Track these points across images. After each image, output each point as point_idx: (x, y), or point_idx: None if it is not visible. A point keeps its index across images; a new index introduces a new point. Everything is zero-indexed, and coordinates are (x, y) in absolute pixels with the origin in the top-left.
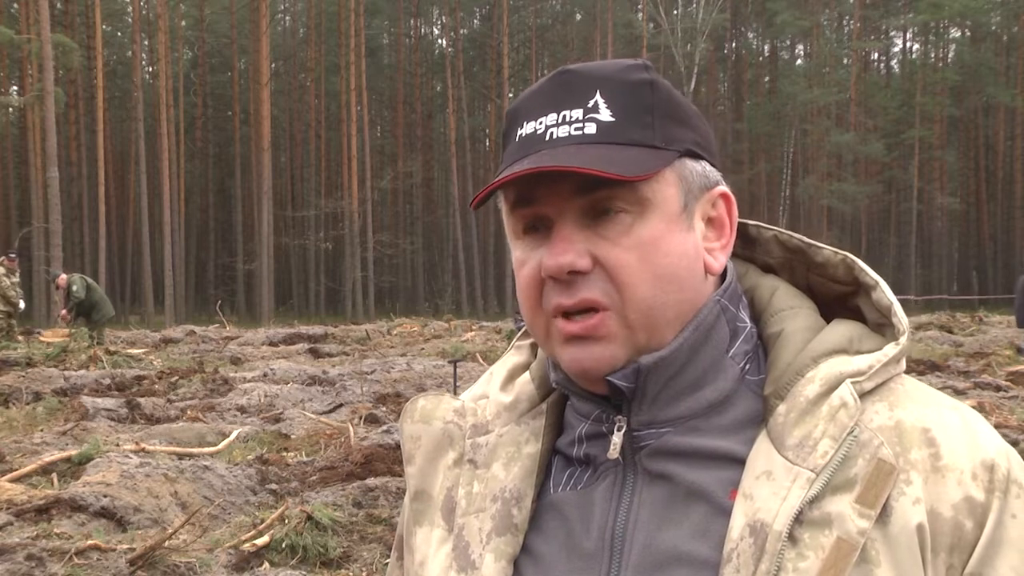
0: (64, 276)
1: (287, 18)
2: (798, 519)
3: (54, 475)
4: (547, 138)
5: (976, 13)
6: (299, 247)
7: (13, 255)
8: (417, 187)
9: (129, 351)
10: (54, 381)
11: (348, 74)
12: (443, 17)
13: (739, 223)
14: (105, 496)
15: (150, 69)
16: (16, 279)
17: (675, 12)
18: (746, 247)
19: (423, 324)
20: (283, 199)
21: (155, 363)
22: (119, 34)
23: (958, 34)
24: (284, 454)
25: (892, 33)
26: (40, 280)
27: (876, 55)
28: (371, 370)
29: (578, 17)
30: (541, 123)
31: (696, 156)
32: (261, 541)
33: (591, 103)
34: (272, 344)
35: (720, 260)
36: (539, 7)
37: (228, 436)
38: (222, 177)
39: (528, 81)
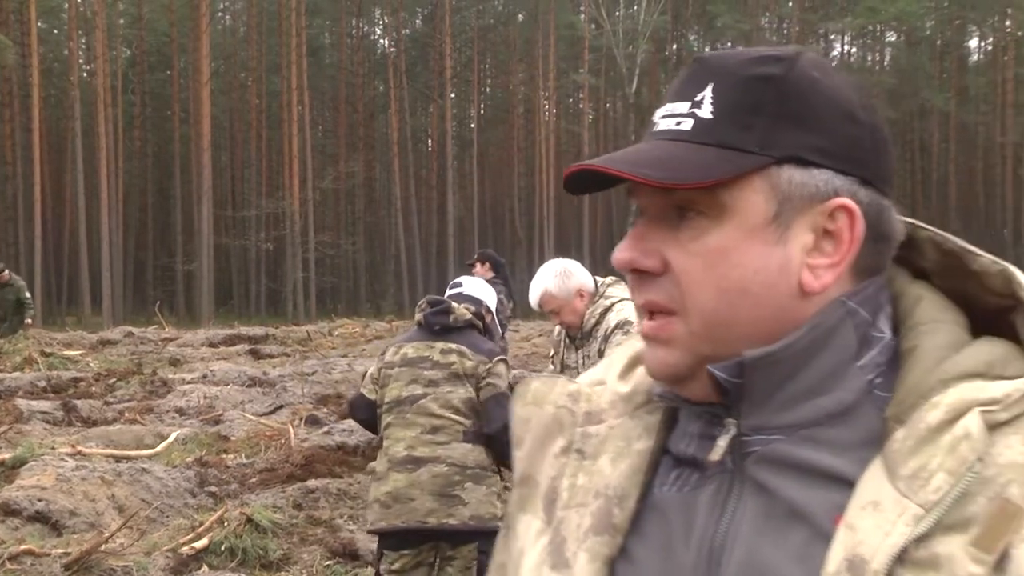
0: (7, 273)
1: (227, 17)
2: (900, 558)
3: None
4: (655, 128)
5: (911, 18)
6: (240, 247)
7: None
8: (359, 187)
9: (65, 352)
10: None
11: (289, 74)
12: (385, 17)
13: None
14: (40, 500)
15: (87, 67)
16: None
17: (617, 14)
18: (900, 248)
19: (364, 325)
20: (223, 199)
21: (92, 364)
22: (55, 31)
23: (894, 38)
24: (223, 456)
25: (831, 37)
26: None
27: None
28: (312, 371)
29: (520, 18)
30: (661, 111)
31: (809, 164)
32: (200, 544)
33: (699, 97)
34: (212, 345)
35: (824, 278)
36: (481, 8)
37: (167, 438)
38: (161, 177)
39: (470, 82)
